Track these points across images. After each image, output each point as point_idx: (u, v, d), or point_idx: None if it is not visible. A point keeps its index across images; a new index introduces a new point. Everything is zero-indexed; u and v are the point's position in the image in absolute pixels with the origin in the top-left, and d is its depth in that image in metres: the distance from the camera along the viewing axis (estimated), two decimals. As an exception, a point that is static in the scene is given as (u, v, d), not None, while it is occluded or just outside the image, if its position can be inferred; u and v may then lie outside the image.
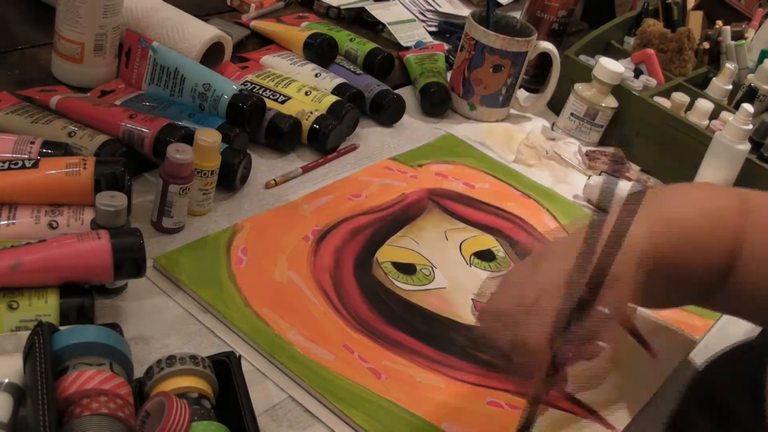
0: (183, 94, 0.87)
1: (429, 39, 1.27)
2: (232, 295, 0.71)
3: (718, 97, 1.18)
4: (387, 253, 0.82)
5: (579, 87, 1.13)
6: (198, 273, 0.73)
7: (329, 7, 1.26)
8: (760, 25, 1.34)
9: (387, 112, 1.05)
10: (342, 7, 1.26)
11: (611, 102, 1.12)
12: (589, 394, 0.73)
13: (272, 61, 1.05)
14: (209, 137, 0.77)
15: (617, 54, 1.24)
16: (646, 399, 0.75)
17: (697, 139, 1.07)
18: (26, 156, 0.71)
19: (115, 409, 0.51)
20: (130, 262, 0.63)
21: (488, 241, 0.89)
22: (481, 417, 0.68)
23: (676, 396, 0.71)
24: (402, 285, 0.79)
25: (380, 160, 0.98)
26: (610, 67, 1.10)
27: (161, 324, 0.68)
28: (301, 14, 1.21)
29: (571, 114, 1.14)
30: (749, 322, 0.76)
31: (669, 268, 0.63)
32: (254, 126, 0.90)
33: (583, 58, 1.19)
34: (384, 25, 1.25)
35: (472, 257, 0.86)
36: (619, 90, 1.12)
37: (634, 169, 1.11)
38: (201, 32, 0.95)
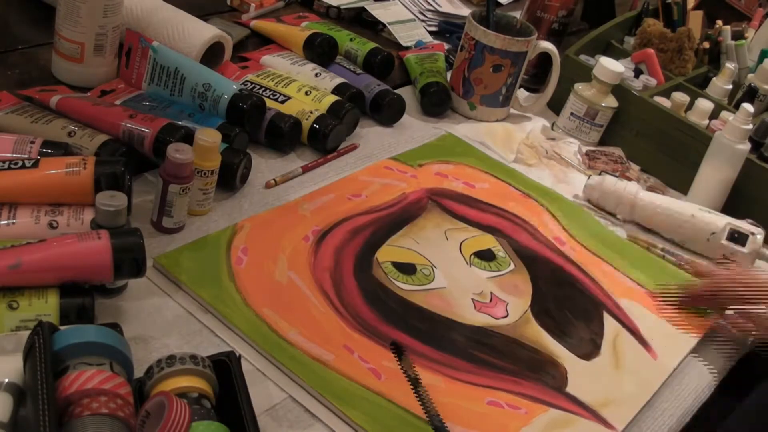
0: (183, 93, 0.87)
1: (429, 39, 1.27)
2: (232, 295, 0.71)
3: (718, 96, 1.18)
4: (387, 253, 0.82)
5: (579, 87, 1.13)
6: (198, 273, 0.72)
7: (329, 6, 1.26)
8: (760, 25, 1.34)
9: (387, 112, 1.05)
10: (342, 7, 1.26)
11: (611, 102, 1.12)
12: (589, 394, 0.73)
13: (272, 61, 1.05)
14: (209, 137, 0.77)
15: (617, 54, 1.24)
16: (646, 399, 0.75)
17: (697, 139, 1.07)
18: (26, 156, 0.71)
19: (115, 409, 0.51)
20: (130, 262, 0.63)
21: (488, 241, 0.89)
22: (481, 417, 0.68)
23: None
24: (402, 285, 0.79)
25: (380, 159, 0.98)
26: (610, 66, 1.10)
27: (161, 324, 0.68)
28: (301, 14, 1.21)
29: (571, 114, 1.14)
30: None
31: None
32: (254, 126, 0.90)
33: (583, 58, 1.19)
34: (384, 25, 1.25)
35: (472, 257, 0.86)
36: (619, 90, 1.12)
37: (634, 169, 1.11)
38: (201, 32, 0.95)
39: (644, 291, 0.89)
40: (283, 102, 0.95)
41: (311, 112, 0.94)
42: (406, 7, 1.33)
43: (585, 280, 0.88)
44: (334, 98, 0.98)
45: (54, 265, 0.61)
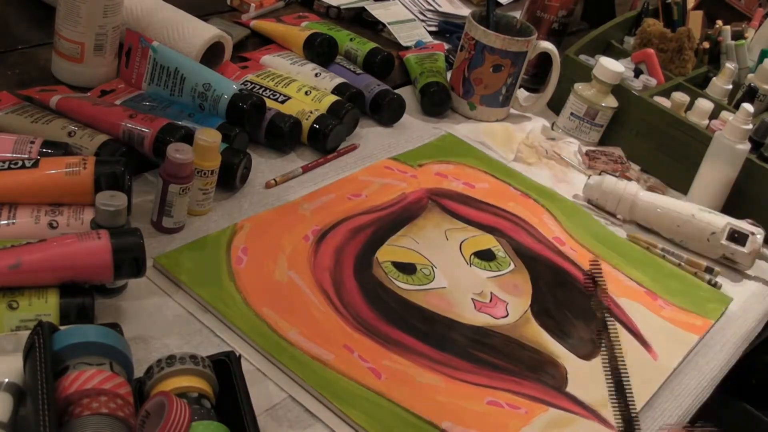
0: (183, 93, 0.87)
1: (429, 39, 1.27)
2: (232, 294, 0.71)
3: (718, 96, 1.18)
4: (387, 253, 0.82)
5: (579, 87, 1.13)
6: (198, 273, 0.72)
7: (329, 6, 1.26)
8: (760, 25, 1.34)
9: (387, 112, 1.05)
10: (342, 7, 1.26)
11: (611, 102, 1.12)
12: (589, 394, 0.73)
13: (272, 61, 1.05)
14: (209, 137, 0.77)
15: (617, 54, 1.24)
16: (646, 399, 0.75)
17: (697, 139, 1.07)
18: (26, 156, 0.71)
19: (115, 409, 0.51)
20: (130, 261, 0.63)
21: (488, 241, 0.89)
22: (481, 417, 0.68)
23: None
24: (402, 285, 0.79)
25: (380, 159, 0.98)
26: (610, 66, 1.10)
27: (161, 324, 0.68)
28: (301, 14, 1.21)
29: (571, 114, 1.14)
30: None
31: None
32: (254, 126, 0.90)
33: (583, 57, 1.19)
34: (384, 25, 1.25)
35: (472, 257, 0.86)
36: (619, 90, 1.12)
37: (634, 169, 1.11)
38: (201, 32, 0.95)
39: (644, 291, 0.89)
40: (283, 102, 0.95)
41: (311, 112, 0.94)
42: (406, 7, 1.33)
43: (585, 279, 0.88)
44: (334, 98, 0.98)
45: (54, 265, 0.61)
